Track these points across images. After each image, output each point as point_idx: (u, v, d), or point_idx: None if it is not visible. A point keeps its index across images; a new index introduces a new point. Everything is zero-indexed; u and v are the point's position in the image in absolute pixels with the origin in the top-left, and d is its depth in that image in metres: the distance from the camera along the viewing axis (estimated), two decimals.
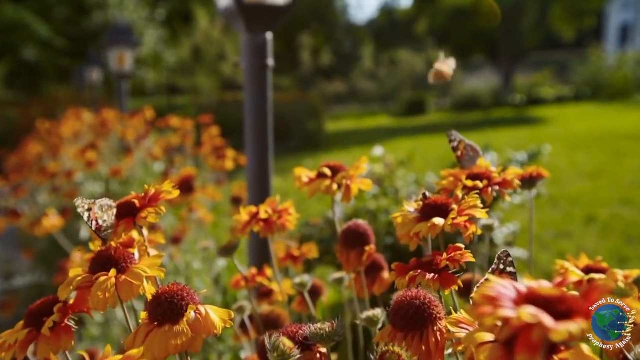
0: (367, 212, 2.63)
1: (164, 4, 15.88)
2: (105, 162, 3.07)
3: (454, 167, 2.73)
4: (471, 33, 16.51)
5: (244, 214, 0.76)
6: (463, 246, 0.56)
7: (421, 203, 0.60)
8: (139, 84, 16.69)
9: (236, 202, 1.85)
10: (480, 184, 0.64)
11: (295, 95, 11.20)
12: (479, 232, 0.57)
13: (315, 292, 0.94)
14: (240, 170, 2.73)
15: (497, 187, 0.65)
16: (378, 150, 2.65)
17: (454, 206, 0.58)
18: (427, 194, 0.61)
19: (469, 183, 0.64)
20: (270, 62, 1.19)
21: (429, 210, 0.58)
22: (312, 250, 1.05)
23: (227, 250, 0.73)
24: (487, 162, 0.69)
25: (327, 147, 8.46)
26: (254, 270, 0.95)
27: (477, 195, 0.58)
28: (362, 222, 0.73)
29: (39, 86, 13.97)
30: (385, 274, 0.79)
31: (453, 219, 0.55)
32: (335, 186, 0.70)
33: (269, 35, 1.19)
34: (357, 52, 17.70)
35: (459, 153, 0.76)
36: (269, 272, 0.93)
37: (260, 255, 1.22)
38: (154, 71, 15.62)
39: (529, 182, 0.73)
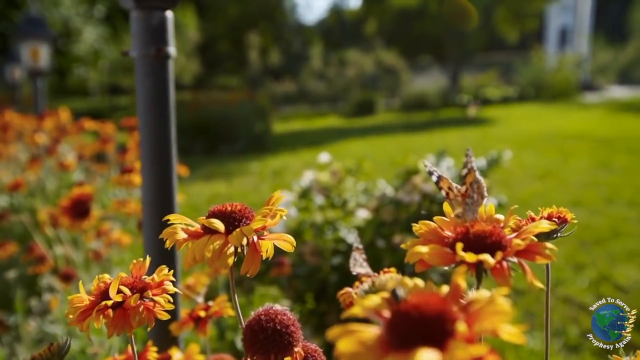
0: (312, 225, 2.36)
1: (103, 1, 15.16)
2: (10, 171, 2.65)
3: (408, 174, 2.40)
4: (418, 34, 16.64)
5: (83, 294, 0.44)
6: None
7: (387, 304, 0.28)
8: (80, 83, 15.84)
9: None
10: (490, 260, 0.32)
11: (242, 96, 10.81)
12: None
13: None
14: (189, 174, 2.42)
15: (515, 259, 0.34)
16: (324, 157, 2.38)
17: (460, 319, 0.26)
18: (399, 292, 0.29)
19: (470, 258, 0.33)
20: (172, 50, 0.87)
21: (406, 327, 0.27)
22: (225, 308, 0.75)
23: None
24: (489, 207, 0.38)
25: (275, 149, 8.15)
26: (150, 347, 0.64)
27: (505, 298, 0.27)
28: (280, 309, 0.42)
29: None
30: None
31: (461, 349, 0.24)
32: (231, 249, 0.39)
33: (169, 14, 0.88)
34: (306, 52, 17.49)
35: (464, 190, 0.40)
36: (153, 350, 0.63)
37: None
38: (94, 70, 14.89)
39: (547, 233, 0.45)
